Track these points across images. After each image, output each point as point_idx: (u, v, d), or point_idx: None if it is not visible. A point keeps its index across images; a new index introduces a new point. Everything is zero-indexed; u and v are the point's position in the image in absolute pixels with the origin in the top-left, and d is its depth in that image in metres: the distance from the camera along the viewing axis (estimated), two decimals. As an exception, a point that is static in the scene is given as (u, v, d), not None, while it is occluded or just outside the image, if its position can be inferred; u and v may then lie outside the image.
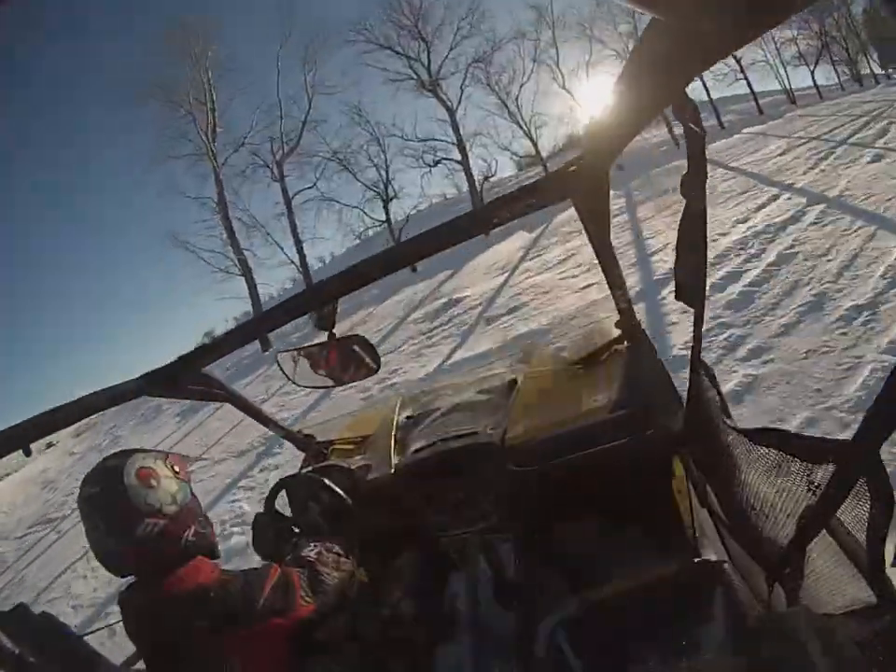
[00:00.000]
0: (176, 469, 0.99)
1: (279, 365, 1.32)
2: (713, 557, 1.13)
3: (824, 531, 0.62)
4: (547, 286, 7.67)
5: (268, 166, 19.02)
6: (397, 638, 1.23)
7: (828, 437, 0.57)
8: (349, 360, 1.21)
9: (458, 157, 20.17)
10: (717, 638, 0.90)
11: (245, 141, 18.81)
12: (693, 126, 0.55)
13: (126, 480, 0.90)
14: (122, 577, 0.93)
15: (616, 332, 1.55)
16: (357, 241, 22.01)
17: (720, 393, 0.88)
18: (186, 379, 1.33)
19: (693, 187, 0.62)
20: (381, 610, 1.26)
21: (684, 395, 1.10)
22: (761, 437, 0.72)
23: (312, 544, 1.14)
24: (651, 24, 0.42)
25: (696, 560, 1.06)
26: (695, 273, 0.73)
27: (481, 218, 1.00)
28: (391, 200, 19.54)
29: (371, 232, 21.24)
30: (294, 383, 1.33)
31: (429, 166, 20.62)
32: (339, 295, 1.09)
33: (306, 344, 1.26)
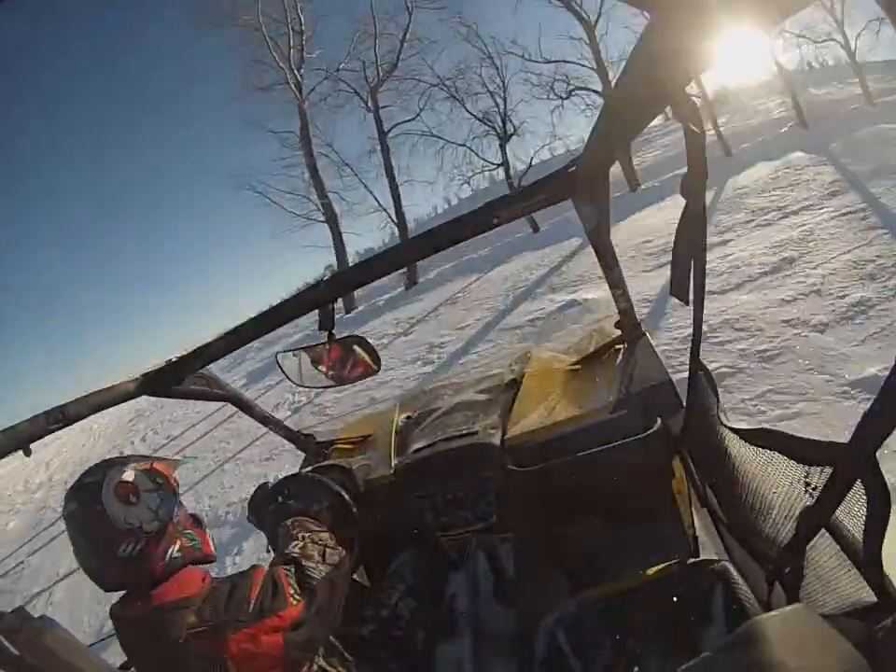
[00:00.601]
0: (159, 480, 0.95)
1: (279, 365, 1.32)
2: (713, 557, 1.13)
3: (824, 531, 0.62)
4: (757, 322, 3.56)
5: (359, 94, 15.20)
6: (397, 638, 1.22)
7: (825, 440, 0.57)
8: (349, 361, 1.21)
9: (599, 87, 13.99)
10: (717, 638, 0.90)
11: (341, 67, 15.16)
12: (692, 126, 0.55)
13: (103, 498, 0.86)
14: (108, 592, 0.91)
15: (616, 332, 1.55)
16: (468, 187, 16.57)
17: (716, 394, 0.89)
18: (186, 379, 1.34)
19: (694, 186, 0.62)
20: (380, 611, 1.26)
21: (684, 395, 1.10)
22: (758, 438, 0.72)
23: (296, 539, 1.09)
24: (651, 24, 0.42)
25: (696, 560, 1.06)
26: (696, 273, 0.73)
27: (481, 218, 1.00)
28: (509, 138, 14.49)
29: (479, 177, 15.91)
30: (294, 383, 1.34)
31: (561, 98, 14.70)
32: (339, 294, 1.09)
33: (305, 345, 1.27)
